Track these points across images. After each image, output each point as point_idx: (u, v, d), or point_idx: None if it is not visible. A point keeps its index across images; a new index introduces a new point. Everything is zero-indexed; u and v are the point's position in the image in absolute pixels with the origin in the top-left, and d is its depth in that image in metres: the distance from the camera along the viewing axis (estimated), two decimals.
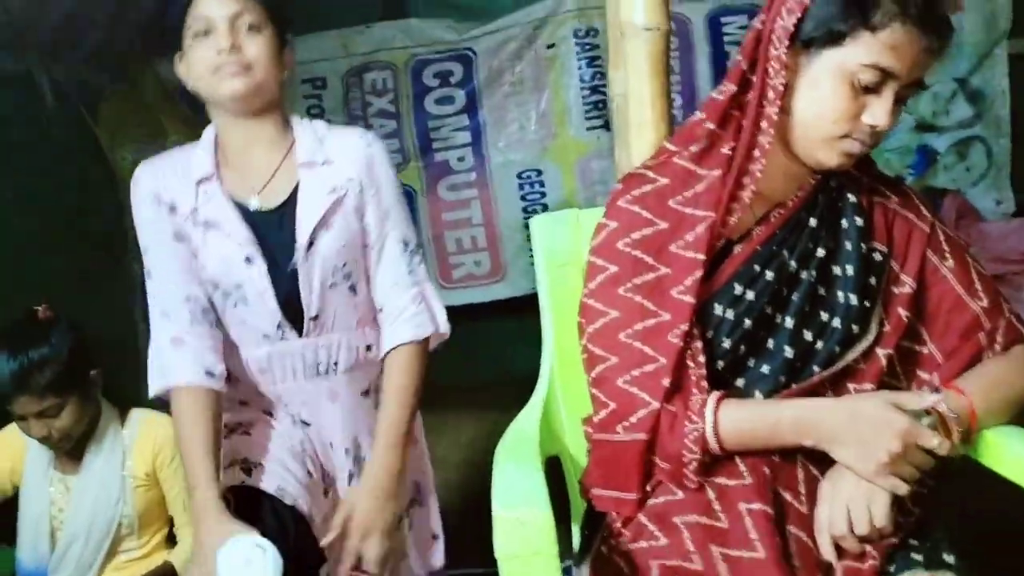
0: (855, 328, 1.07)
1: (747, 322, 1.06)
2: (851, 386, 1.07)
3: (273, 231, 1.41)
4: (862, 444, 0.97)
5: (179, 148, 1.48)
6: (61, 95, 2.84)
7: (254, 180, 1.43)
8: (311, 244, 1.40)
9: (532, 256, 3.36)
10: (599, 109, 3.30)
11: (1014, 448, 1.01)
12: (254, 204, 1.42)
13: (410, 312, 1.47)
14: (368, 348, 1.50)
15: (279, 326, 1.41)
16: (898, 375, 1.10)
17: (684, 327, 1.03)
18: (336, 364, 1.47)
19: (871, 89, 1.00)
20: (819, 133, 1.04)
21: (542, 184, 3.35)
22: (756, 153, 1.06)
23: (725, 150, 1.07)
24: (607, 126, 3.25)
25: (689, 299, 1.04)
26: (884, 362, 1.07)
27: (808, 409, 1.01)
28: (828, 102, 1.02)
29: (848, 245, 1.09)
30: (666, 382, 1.02)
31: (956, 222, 3.37)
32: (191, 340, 1.38)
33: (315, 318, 1.42)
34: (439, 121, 3.35)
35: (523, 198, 3.37)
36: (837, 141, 1.03)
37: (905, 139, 3.47)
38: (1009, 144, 3.48)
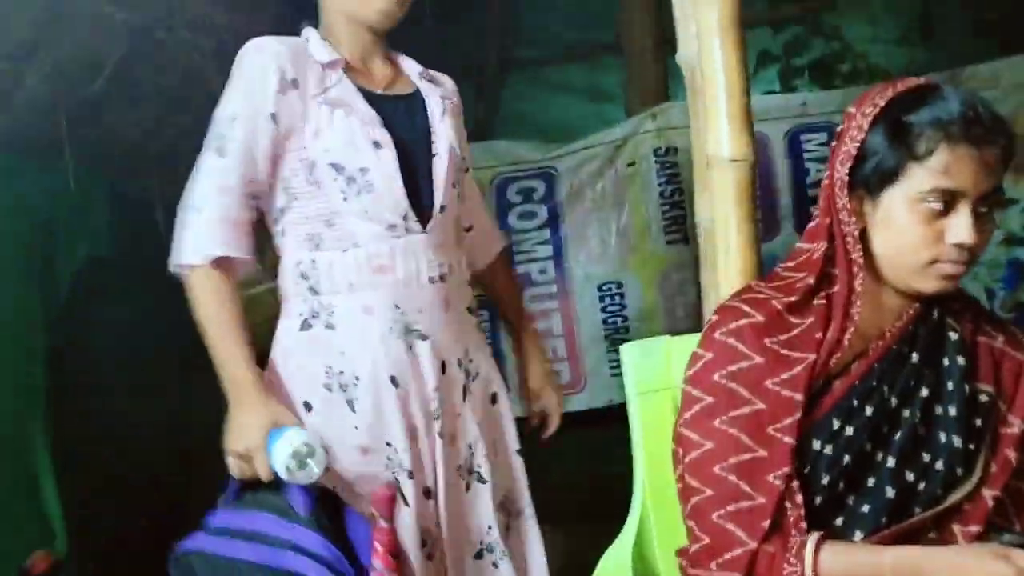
0: (959, 470, 1.05)
1: (846, 458, 1.05)
2: (956, 528, 1.04)
3: (401, 118, 1.46)
4: None
5: (286, 37, 1.47)
6: None
7: (374, 78, 1.50)
8: (441, 140, 1.48)
9: (612, 366, 3.37)
10: (678, 224, 3.35)
11: None
12: (378, 92, 1.48)
13: (494, 228, 1.79)
14: (461, 264, 1.56)
15: (405, 217, 1.41)
16: (1010, 516, 1.07)
17: (785, 469, 1.03)
18: (450, 271, 1.48)
19: (945, 211, 1.01)
20: (907, 264, 1.05)
21: (622, 296, 3.38)
22: (853, 299, 1.08)
23: (820, 300, 1.10)
24: (686, 240, 3.29)
25: (789, 439, 1.04)
26: (991, 503, 1.05)
27: (910, 557, 0.99)
28: (906, 235, 1.04)
29: (951, 385, 1.08)
30: (765, 524, 1.01)
31: None
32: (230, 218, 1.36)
33: (443, 210, 1.46)
34: (522, 235, 3.44)
35: (603, 310, 3.40)
36: (928, 267, 1.04)
37: (994, 253, 3.40)
38: None
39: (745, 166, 1.48)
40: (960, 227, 1.01)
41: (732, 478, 1.05)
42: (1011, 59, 3.31)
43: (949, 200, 1.01)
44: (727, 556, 1.02)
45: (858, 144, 1.06)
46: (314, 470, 1.28)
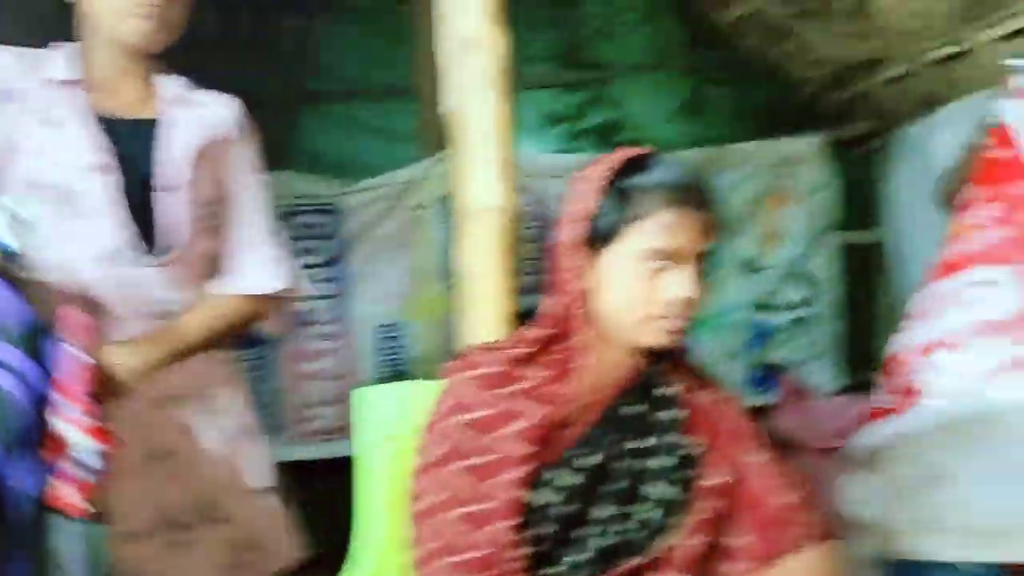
0: (667, 521, 1.11)
1: (565, 510, 1.08)
2: None
3: (136, 144, 1.38)
4: None
5: (20, 49, 1.39)
6: None
7: (120, 100, 1.40)
8: (173, 170, 1.36)
9: None
10: None
11: None
12: (115, 115, 1.37)
13: (259, 263, 1.53)
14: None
15: (126, 247, 1.33)
16: (708, 566, 1.14)
17: (509, 522, 1.04)
18: (183, 307, 1.40)
19: (664, 269, 1.08)
20: (631, 319, 1.10)
21: (402, 339, 3.36)
22: (580, 354, 1.12)
23: (553, 356, 1.14)
24: None
25: (515, 492, 1.05)
26: (693, 552, 1.10)
27: None
28: (628, 291, 1.09)
29: (665, 438, 1.14)
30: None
31: (788, 398, 3.58)
32: None
33: (173, 244, 1.37)
34: (304, 271, 3.34)
35: (381, 352, 3.36)
36: (653, 322, 1.09)
37: (743, 317, 3.72)
38: (837, 325, 3.79)
39: (504, 215, 1.51)
40: (681, 282, 1.08)
41: (462, 528, 1.04)
42: (767, 141, 3.68)
43: (668, 259, 1.08)
44: None
45: (586, 206, 1.12)
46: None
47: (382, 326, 3.37)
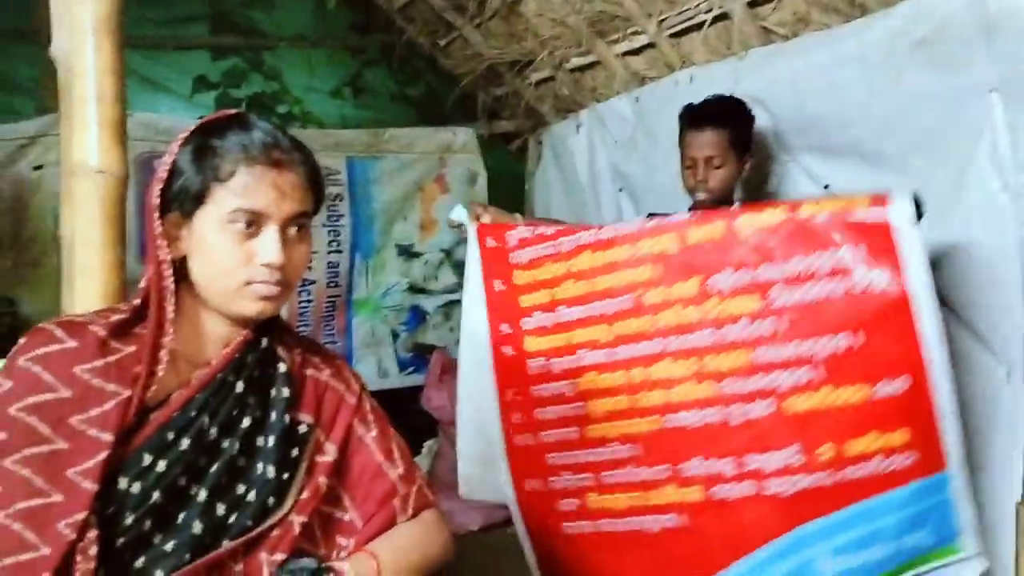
0: (271, 501, 1.07)
1: (155, 495, 0.99)
2: (263, 555, 1.05)
3: None
4: None
5: None
6: None
7: None
8: None
9: None
10: None
11: None
12: None
13: None
14: None
15: None
16: (316, 540, 1.12)
17: (80, 516, 0.93)
18: None
19: (254, 233, 1.04)
20: (223, 287, 1.05)
21: (15, 316, 2.95)
22: (166, 326, 1.04)
23: (141, 330, 1.04)
24: None
25: (89, 485, 0.95)
26: (298, 530, 1.08)
27: None
28: (218, 258, 1.04)
29: (274, 415, 1.10)
30: None
31: (440, 375, 3.71)
32: None
33: None
34: None
35: None
36: (244, 289, 1.05)
37: (400, 299, 3.79)
38: None
39: (113, 180, 1.37)
40: (267, 247, 1.04)
41: (16, 526, 0.92)
42: (425, 129, 3.77)
43: (255, 222, 1.04)
44: None
45: (168, 167, 1.05)
46: None
47: None
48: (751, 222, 1.60)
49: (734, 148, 2.12)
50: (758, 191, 2.43)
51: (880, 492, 1.55)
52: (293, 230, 1.07)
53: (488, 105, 3.89)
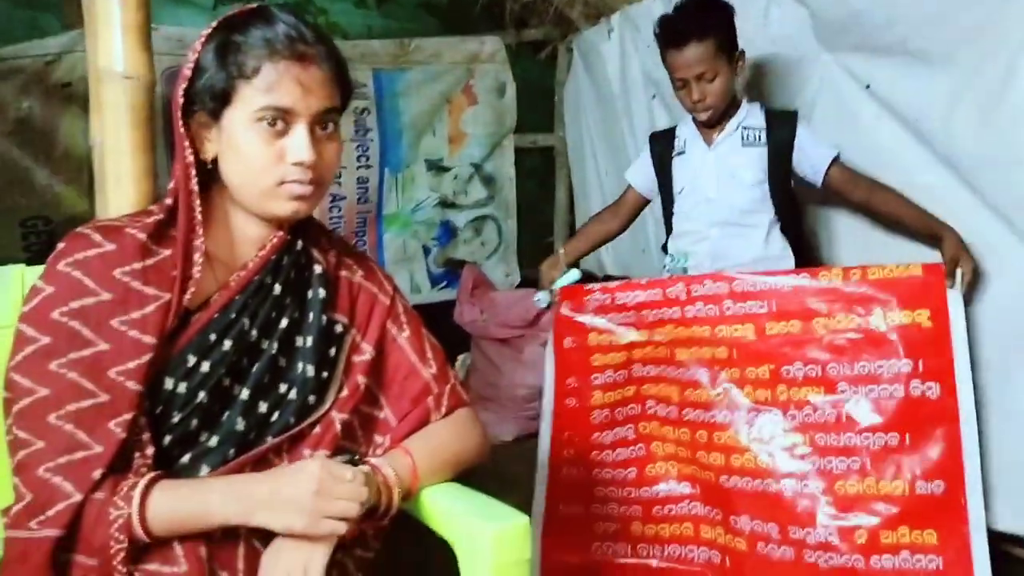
0: (312, 399, 1.08)
1: (201, 395, 1.01)
2: (306, 452, 1.07)
3: None
4: (283, 503, 0.95)
5: None
6: None
7: None
8: None
9: None
10: None
11: (442, 503, 1.10)
12: None
13: None
14: None
15: None
16: (357, 438, 1.14)
17: (129, 416, 0.95)
18: None
19: (284, 131, 1.02)
20: (256, 188, 1.04)
21: (51, 234, 2.99)
22: (196, 228, 1.04)
23: (175, 231, 1.04)
24: None
25: (134, 385, 0.96)
26: (339, 427, 1.10)
27: (234, 484, 0.98)
28: (247, 157, 1.03)
29: (311, 316, 1.11)
30: (98, 474, 0.93)
31: (472, 290, 3.73)
32: None
33: None
34: None
35: (27, 248, 2.96)
36: (277, 188, 1.04)
37: (430, 214, 3.78)
38: (515, 224, 3.99)
39: (139, 85, 1.35)
40: (297, 146, 1.02)
41: (68, 427, 0.94)
42: (452, 38, 3.69)
43: (284, 119, 1.02)
44: (50, 512, 0.91)
45: (192, 65, 1.03)
46: None
47: (28, 220, 2.96)
48: (827, 324, 1.81)
49: (722, 53, 1.98)
50: (797, 95, 2.35)
51: None
52: (322, 128, 1.05)
53: (516, 12, 3.78)
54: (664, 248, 2.31)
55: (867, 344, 1.77)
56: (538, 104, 3.97)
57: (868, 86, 2.14)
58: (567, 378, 2.11)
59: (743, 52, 2.07)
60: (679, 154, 2.20)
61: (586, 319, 2.09)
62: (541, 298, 2.20)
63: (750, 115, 2.12)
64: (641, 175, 2.32)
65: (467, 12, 3.77)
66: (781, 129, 2.08)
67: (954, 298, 1.75)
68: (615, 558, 1.98)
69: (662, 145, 2.25)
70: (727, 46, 2.00)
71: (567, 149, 3.93)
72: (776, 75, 2.43)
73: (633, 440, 2.00)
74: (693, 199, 2.17)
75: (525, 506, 2.84)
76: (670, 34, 1.99)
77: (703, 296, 1.90)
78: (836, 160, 2.06)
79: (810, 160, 2.07)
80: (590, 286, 2.14)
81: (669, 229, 2.27)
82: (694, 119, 2.15)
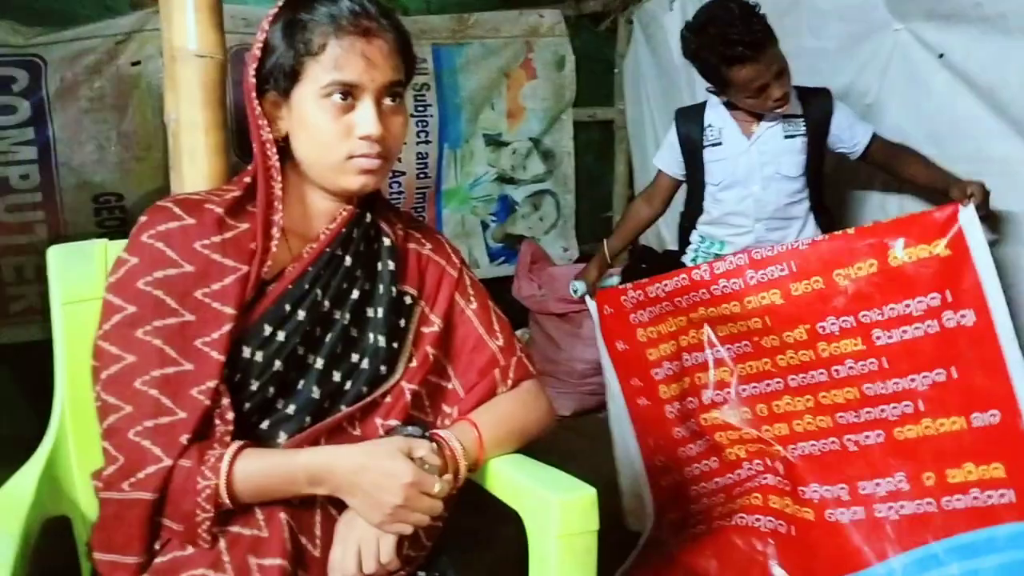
0: (383, 369, 1.10)
1: (277, 364, 1.04)
2: (378, 421, 1.10)
3: None
4: (368, 496, 0.98)
5: None
6: None
7: None
8: None
9: None
10: None
11: (509, 474, 1.11)
12: None
13: None
14: None
15: None
16: (425, 409, 1.16)
17: (212, 383, 0.99)
18: None
19: (351, 106, 1.04)
20: (326, 162, 1.06)
21: (123, 210, 3.08)
22: (275, 204, 1.07)
23: (253, 208, 1.07)
24: None
25: (216, 355, 1.00)
26: (410, 397, 1.12)
27: (321, 458, 1.01)
28: (317, 133, 1.04)
29: (381, 288, 1.13)
30: (184, 439, 0.96)
31: (530, 265, 3.74)
32: None
33: None
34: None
35: (100, 224, 3.06)
36: (346, 163, 1.05)
37: (489, 189, 3.79)
38: (574, 199, 3.97)
39: (213, 64, 1.39)
40: (365, 120, 1.03)
41: (153, 392, 0.98)
42: (511, 12, 3.67)
43: (350, 94, 1.03)
44: (140, 475, 0.95)
45: (260, 45, 1.05)
46: None
47: (101, 196, 3.05)
48: (847, 274, 1.77)
49: (777, 43, 1.93)
50: (866, 67, 2.29)
51: (980, 527, 1.64)
52: (388, 101, 1.06)
53: None
54: (684, 228, 2.30)
55: (892, 285, 1.73)
56: (598, 77, 3.93)
57: (942, 55, 2.08)
58: (630, 379, 2.16)
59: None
60: (713, 144, 2.15)
61: (630, 318, 2.13)
62: (577, 288, 2.24)
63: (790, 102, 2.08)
64: (670, 160, 2.27)
65: None
66: (817, 110, 2.07)
67: (968, 218, 1.67)
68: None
69: (691, 128, 2.19)
70: (775, 37, 1.95)
71: (627, 123, 3.90)
72: (843, 48, 2.37)
73: (702, 431, 2.03)
74: (738, 194, 2.14)
75: (586, 479, 2.87)
76: (739, 49, 1.90)
77: (725, 273, 1.90)
78: (875, 135, 2.07)
79: (852, 137, 2.08)
80: (623, 286, 2.17)
81: (697, 211, 2.24)
82: (726, 104, 2.11)
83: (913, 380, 1.72)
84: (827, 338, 1.80)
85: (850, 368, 1.78)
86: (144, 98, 3.02)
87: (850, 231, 1.81)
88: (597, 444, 3.18)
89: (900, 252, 1.72)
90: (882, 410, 1.75)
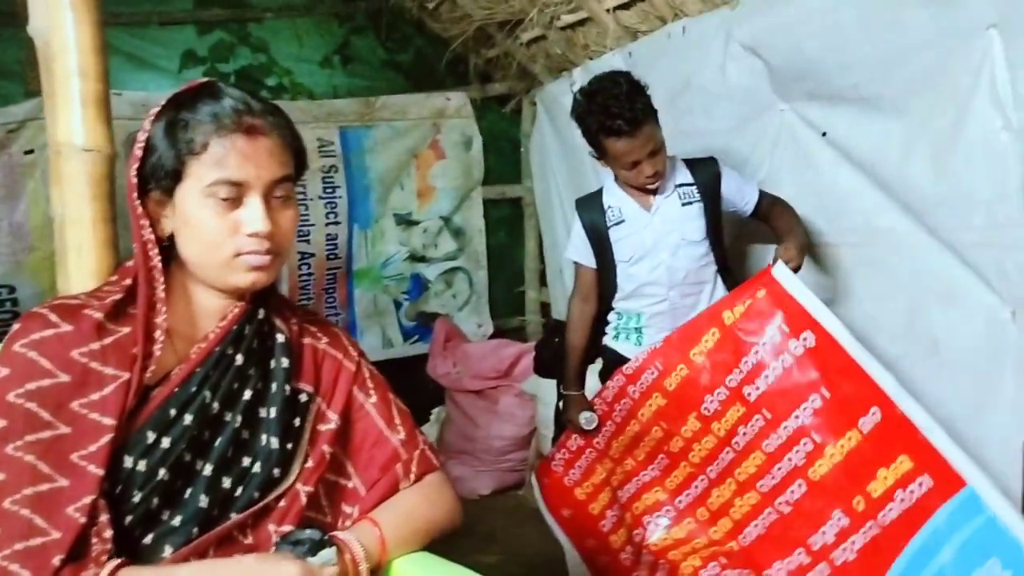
0: (277, 472, 1.06)
1: (162, 472, 0.99)
2: (271, 527, 1.05)
3: None
4: None
5: None
6: None
7: None
8: None
9: None
10: None
11: (411, 574, 1.07)
12: None
13: None
14: None
15: None
16: (324, 509, 1.12)
17: (88, 499, 0.93)
18: None
19: (237, 203, 1.02)
20: (214, 260, 1.04)
21: (15, 303, 2.95)
22: (158, 306, 1.03)
23: (133, 309, 1.03)
24: None
25: (95, 469, 0.94)
26: (305, 500, 1.07)
27: (203, 571, 0.96)
28: (203, 231, 1.02)
29: (274, 386, 1.09)
30: (58, 560, 0.90)
31: (445, 343, 3.72)
32: None
33: None
34: None
35: None
36: (234, 260, 1.03)
37: (401, 268, 3.79)
38: (486, 275, 4.00)
39: (100, 158, 1.35)
40: (252, 217, 1.02)
41: (25, 512, 0.91)
42: (417, 95, 3.73)
43: (236, 192, 1.02)
44: None
45: (142, 145, 1.03)
46: None
47: None
48: (700, 350, 1.93)
49: (658, 124, 2.05)
50: (757, 145, 2.40)
51: (920, 526, 1.63)
52: (277, 196, 1.05)
53: (480, 68, 3.85)
54: (601, 311, 2.32)
55: (735, 342, 1.88)
56: (505, 156, 4.02)
57: (824, 133, 2.19)
58: (584, 541, 2.21)
59: (656, 111, 2.09)
60: (616, 224, 2.20)
61: (564, 480, 2.23)
62: (590, 418, 2.17)
63: (679, 173, 2.18)
64: (583, 250, 2.29)
65: (432, 68, 3.82)
66: (706, 175, 2.18)
67: (779, 272, 1.86)
68: None
69: (593, 215, 2.24)
70: (656, 115, 2.05)
71: (535, 199, 3.97)
72: (734, 127, 2.48)
73: (655, 560, 2.03)
74: (649, 264, 2.18)
75: (503, 563, 2.82)
76: (617, 123, 1.99)
77: (614, 398, 2.08)
78: (762, 192, 2.20)
79: (743, 197, 2.20)
80: (549, 452, 2.32)
81: (611, 291, 2.27)
82: (618, 182, 2.19)
83: (797, 416, 1.79)
84: (715, 416, 1.90)
85: (744, 434, 1.85)
86: (38, 188, 2.94)
87: (694, 316, 1.98)
88: (517, 522, 3.14)
89: (730, 312, 1.89)
90: (789, 459, 1.80)
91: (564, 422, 2.28)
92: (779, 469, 1.81)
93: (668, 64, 2.63)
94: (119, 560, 0.93)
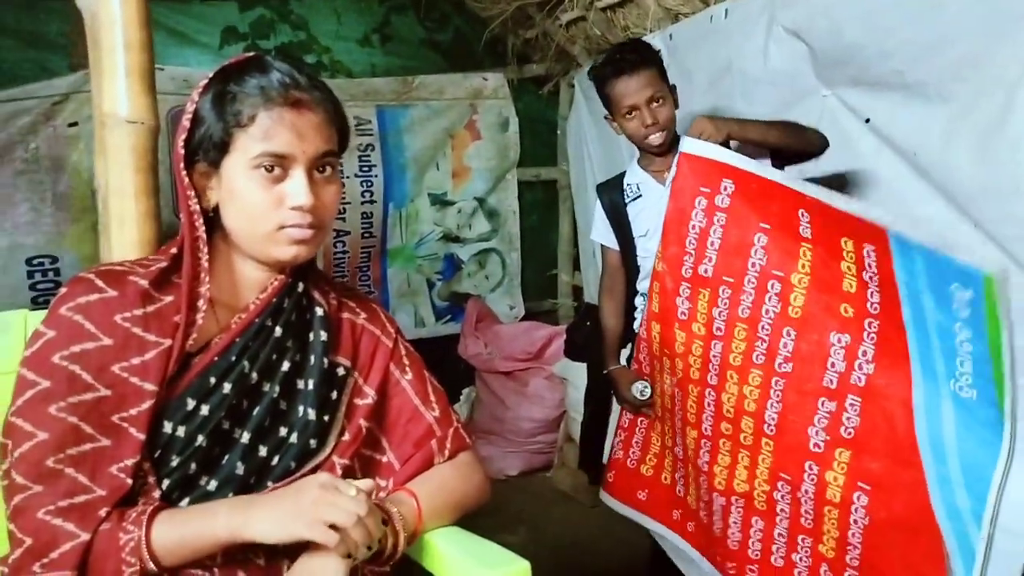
0: (313, 443, 1.08)
1: (200, 439, 1.01)
2: None
3: None
4: (284, 509, 0.95)
5: None
6: None
7: None
8: None
9: None
10: None
11: (441, 547, 1.09)
12: None
13: None
14: None
15: None
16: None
17: (131, 461, 0.96)
18: None
19: (282, 176, 1.03)
20: (257, 233, 1.05)
21: (57, 272, 3.01)
22: (201, 275, 1.05)
23: (178, 278, 1.05)
24: None
25: (136, 433, 0.97)
26: (341, 472, 1.09)
27: (239, 501, 0.99)
28: (246, 204, 1.03)
29: (312, 359, 1.11)
30: (103, 513, 0.93)
31: (476, 324, 3.74)
32: None
33: None
34: None
35: (33, 287, 2.98)
36: (277, 233, 1.04)
37: (434, 248, 3.80)
38: (519, 257, 4.00)
39: (144, 129, 1.37)
40: (296, 190, 1.03)
41: (69, 471, 0.94)
42: (455, 75, 3.73)
43: (281, 165, 1.03)
44: (54, 555, 0.91)
45: (190, 116, 1.04)
46: None
47: (33, 259, 2.98)
48: (658, 259, 1.90)
49: (666, 82, 2.07)
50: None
51: (899, 298, 1.59)
52: (321, 171, 1.06)
53: (518, 48, 3.83)
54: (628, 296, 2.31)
55: (673, 239, 1.85)
56: (541, 138, 4.00)
57: (868, 120, 2.15)
58: (670, 514, 2.05)
59: (675, 86, 2.11)
60: (634, 199, 2.21)
61: (629, 462, 2.15)
62: (644, 389, 2.11)
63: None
64: (604, 230, 2.31)
65: (470, 49, 3.82)
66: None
67: (685, 146, 1.84)
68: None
69: (612, 195, 2.27)
70: (666, 76, 2.09)
71: (570, 182, 3.96)
72: (775, 112, 2.45)
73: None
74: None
75: (528, 543, 2.84)
76: (617, 64, 2.05)
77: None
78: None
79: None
80: (615, 447, 2.19)
81: (633, 272, 2.26)
82: (639, 162, 2.19)
83: (754, 264, 1.73)
84: (690, 316, 1.84)
85: (720, 315, 1.78)
86: (81, 160, 2.98)
87: None
88: (543, 504, 3.16)
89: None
90: (766, 311, 1.71)
91: (619, 402, 2.19)
92: (763, 329, 1.70)
93: (709, 47, 2.60)
94: (159, 502, 0.96)
